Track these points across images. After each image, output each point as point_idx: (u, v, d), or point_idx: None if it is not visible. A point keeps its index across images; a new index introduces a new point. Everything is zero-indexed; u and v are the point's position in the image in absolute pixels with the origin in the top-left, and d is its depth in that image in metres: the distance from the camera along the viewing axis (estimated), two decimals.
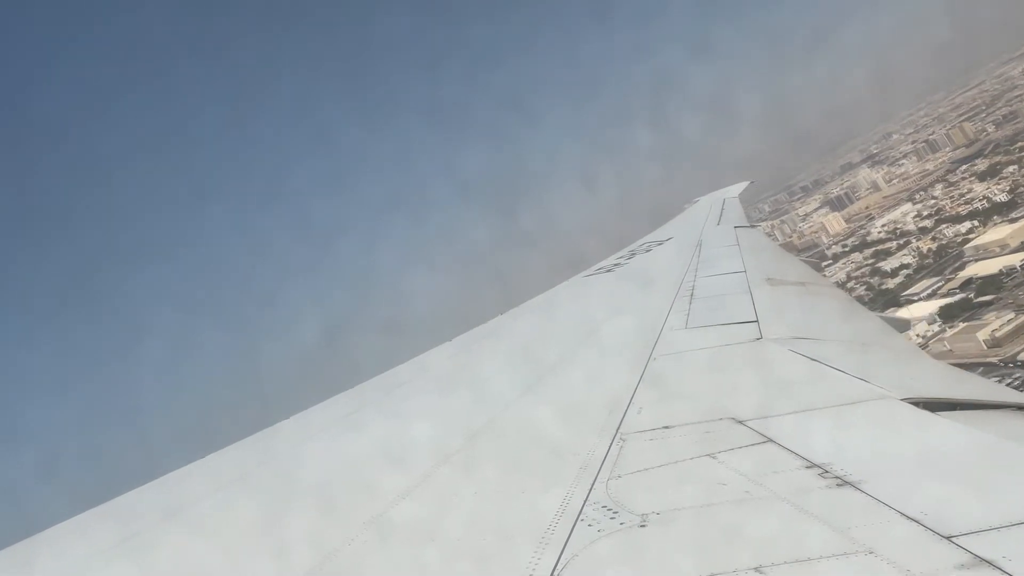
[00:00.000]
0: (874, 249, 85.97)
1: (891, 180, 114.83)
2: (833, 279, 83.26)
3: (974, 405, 4.86)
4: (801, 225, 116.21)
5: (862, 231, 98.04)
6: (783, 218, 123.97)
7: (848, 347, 6.89)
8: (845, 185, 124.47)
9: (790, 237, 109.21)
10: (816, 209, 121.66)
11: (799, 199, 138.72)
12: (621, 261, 15.90)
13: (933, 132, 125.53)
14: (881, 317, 9.89)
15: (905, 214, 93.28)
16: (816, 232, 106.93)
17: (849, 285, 78.16)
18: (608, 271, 15.04)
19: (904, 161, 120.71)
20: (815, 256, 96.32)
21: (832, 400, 4.76)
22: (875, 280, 76.10)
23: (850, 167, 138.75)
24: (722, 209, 21.10)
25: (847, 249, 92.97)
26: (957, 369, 7.15)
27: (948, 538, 2.81)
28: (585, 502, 3.75)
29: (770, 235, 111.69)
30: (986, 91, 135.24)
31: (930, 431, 4.14)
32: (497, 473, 4.65)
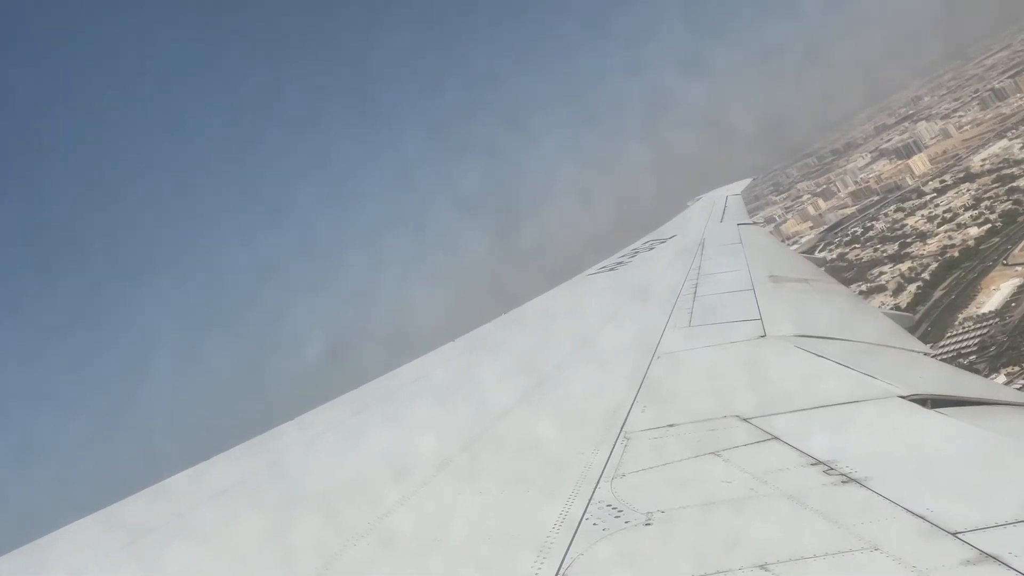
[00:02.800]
0: (994, 176, 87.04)
1: (961, 127, 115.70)
2: (958, 203, 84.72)
3: (976, 402, 4.86)
4: (863, 175, 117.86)
5: (956, 168, 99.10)
6: (831, 175, 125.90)
7: (852, 344, 6.88)
8: (894, 140, 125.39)
9: (864, 184, 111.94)
10: (870, 163, 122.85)
11: (832, 160, 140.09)
12: (624, 259, 15.88)
13: (977, 89, 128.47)
14: (885, 313, 9.87)
15: (1006, 148, 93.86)
16: (896, 175, 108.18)
17: (984, 204, 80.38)
18: (611, 269, 15.03)
19: (962, 112, 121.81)
20: (909, 193, 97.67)
21: (836, 397, 4.75)
22: (1018, 196, 77.84)
23: (885, 128, 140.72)
24: (724, 206, 21.07)
25: (949, 183, 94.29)
26: (957, 368, 7.14)
27: (954, 534, 2.81)
28: (590, 501, 3.75)
29: (832, 187, 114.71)
30: (1019, 51, 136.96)
31: (934, 428, 4.14)
32: (501, 473, 4.65)
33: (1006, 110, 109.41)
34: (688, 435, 4.52)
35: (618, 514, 3.55)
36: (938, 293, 68.11)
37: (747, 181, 27.28)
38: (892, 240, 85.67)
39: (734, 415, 4.64)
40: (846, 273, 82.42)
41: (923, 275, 72.82)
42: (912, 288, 71.04)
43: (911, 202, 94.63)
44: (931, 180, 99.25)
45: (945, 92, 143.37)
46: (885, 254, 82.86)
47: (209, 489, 5.64)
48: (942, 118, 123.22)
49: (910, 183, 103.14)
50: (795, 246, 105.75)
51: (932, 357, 7.04)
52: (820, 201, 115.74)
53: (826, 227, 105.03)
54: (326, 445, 6.53)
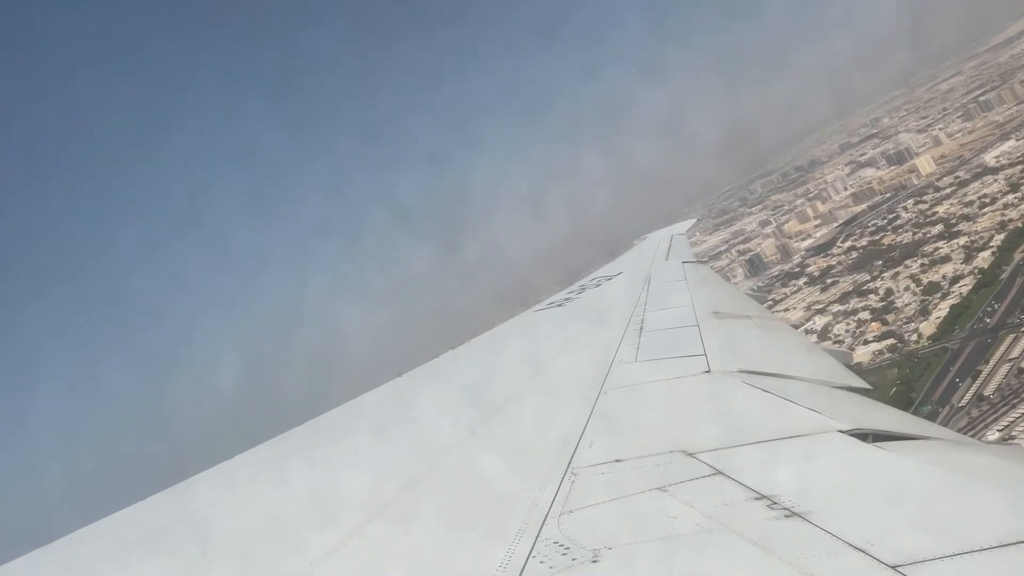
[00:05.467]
0: (1020, 167, 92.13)
1: (952, 135, 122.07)
2: (990, 190, 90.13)
3: (914, 437, 4.97)
4: (851, 181, 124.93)
5: (966, 166, 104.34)
6: (809, 186, 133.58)
7: (795, 379, 7.00)
8: (870, 153, 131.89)
9: (866, 186, 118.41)
10: (852, 172, 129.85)
11: (801, 175, 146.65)
12: (571, 296, 15.97)
13: (946, 107, 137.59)
14: (825, 350, 10.10)
15: (1016, 147, 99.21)
16: (899, 177, 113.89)
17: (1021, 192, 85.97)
18: (559, 305, 15.09)
19: (941, 125, 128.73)
20: (924, 188, 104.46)
21: (780, 432, 4.81)
22: None
23: (850, 145, 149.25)
24: (670, 245, 21.41)
25: (968, 177, 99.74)
26: (892, 407, 7.29)
27: (894, 567, 2.85)
28: (537, 539, 3.70)
29: (823, 192, 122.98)
30: (975, 76, 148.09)
31: (875, 462, 4.21)
32: (446, 512, 4.56)
33: (998, 118, 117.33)
34: (635, 470, 4.52)
35: (565, 551, 3.51)
36: (1018, 255, 74.50)
37: (692, 221, 28.00)
38: (928, 224, 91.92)
39: (680, 450, 4.66)
40: (890, 254, 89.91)
41: (991, 244, 79.12)
42: (985, 255, 77.76)
43: (929, 196, 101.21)
44: (943, 177, 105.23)
45: (905, 113, 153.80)
46: (929, 235, 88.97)
47: (117, 544, 5.21)
48: (919, 131, 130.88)
49: (916, 182, 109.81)
50: (808, 240, 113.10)
51: (866, 395, 7.19)
52: (819, 204, 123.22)
53: (839, 223, 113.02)
54: (247, 493, 6.18)
